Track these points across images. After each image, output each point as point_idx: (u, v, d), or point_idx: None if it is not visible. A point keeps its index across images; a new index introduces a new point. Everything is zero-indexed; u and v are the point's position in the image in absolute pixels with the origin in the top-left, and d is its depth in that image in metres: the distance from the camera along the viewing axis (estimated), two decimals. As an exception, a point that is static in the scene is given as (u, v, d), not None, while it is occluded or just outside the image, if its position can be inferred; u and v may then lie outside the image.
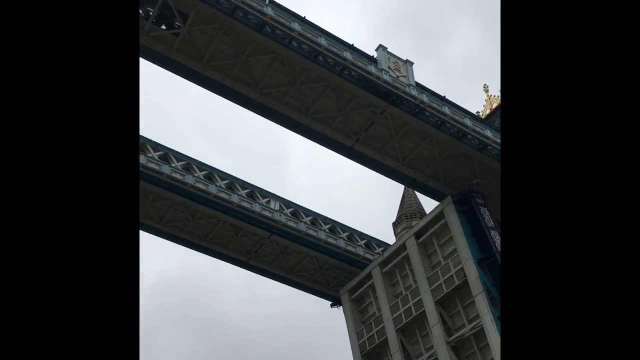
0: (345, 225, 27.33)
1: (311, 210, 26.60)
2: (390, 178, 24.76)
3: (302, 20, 20.38)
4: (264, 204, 24.98)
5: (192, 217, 24.43)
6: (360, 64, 21.04)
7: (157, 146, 23.23)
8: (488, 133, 23.27)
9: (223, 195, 23.91)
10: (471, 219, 22.79)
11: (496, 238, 22.46)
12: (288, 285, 27.95)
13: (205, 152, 69.32)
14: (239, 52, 20.21)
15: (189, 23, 19.13)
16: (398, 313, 24.09)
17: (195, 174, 23.58)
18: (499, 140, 23.35)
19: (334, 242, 26.30)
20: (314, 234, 25.85)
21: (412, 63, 22.82)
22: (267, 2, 19.53)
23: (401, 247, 24.89)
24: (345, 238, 26.89)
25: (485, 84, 36.39)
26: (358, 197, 76.65)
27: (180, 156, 23.69)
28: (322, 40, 20.37)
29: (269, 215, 24.81)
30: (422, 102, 21.93)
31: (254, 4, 19.00)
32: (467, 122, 22.91)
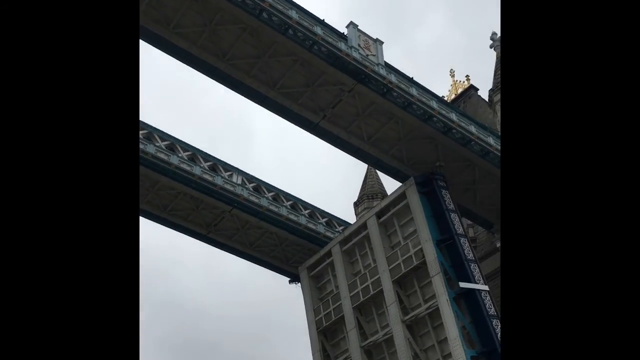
0: (307, 203, 27.27)
1: (273, 186, 26.42)
2: (355, 157, 24.77)
3: (274, -9, 20.01)
4: (226, 177, 24.67)
5: (151, 187, 23.92)
6: (330, 39, 20.83)
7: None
8: (453, 116, 23.45)
9: (185, 166, 23.50)
10: (432, 200, 23.02)
11: (455, 220, 22.79)
12: (247, 260, 27.80)
13: (169, 123, 68.10)
14: (207, 20, 19.73)
15: (157, -13, 18.57)
16: (356, 291, 24.27)
17: (157, 144, 23.07)
18: (463, 124, 23.58)
19: (295, 218, 26.21)
20: (276, 209, 25.70)
21: (382, 42, 22.72)
22: (238, -30, 19.08)
23: (362, 226, 25.02)
24: (307, 215, 26.85)
25: (451, 69, 36.73)
26: (321, 176, 76.95)
27: (142, 125, 23.13)
28: (293, 14, 20.06)
29: (231, 189, 24.53)
30: (390, 82, 21.90)
31: (225, -29, 18.56)
32: (434, 104, 23.02)
